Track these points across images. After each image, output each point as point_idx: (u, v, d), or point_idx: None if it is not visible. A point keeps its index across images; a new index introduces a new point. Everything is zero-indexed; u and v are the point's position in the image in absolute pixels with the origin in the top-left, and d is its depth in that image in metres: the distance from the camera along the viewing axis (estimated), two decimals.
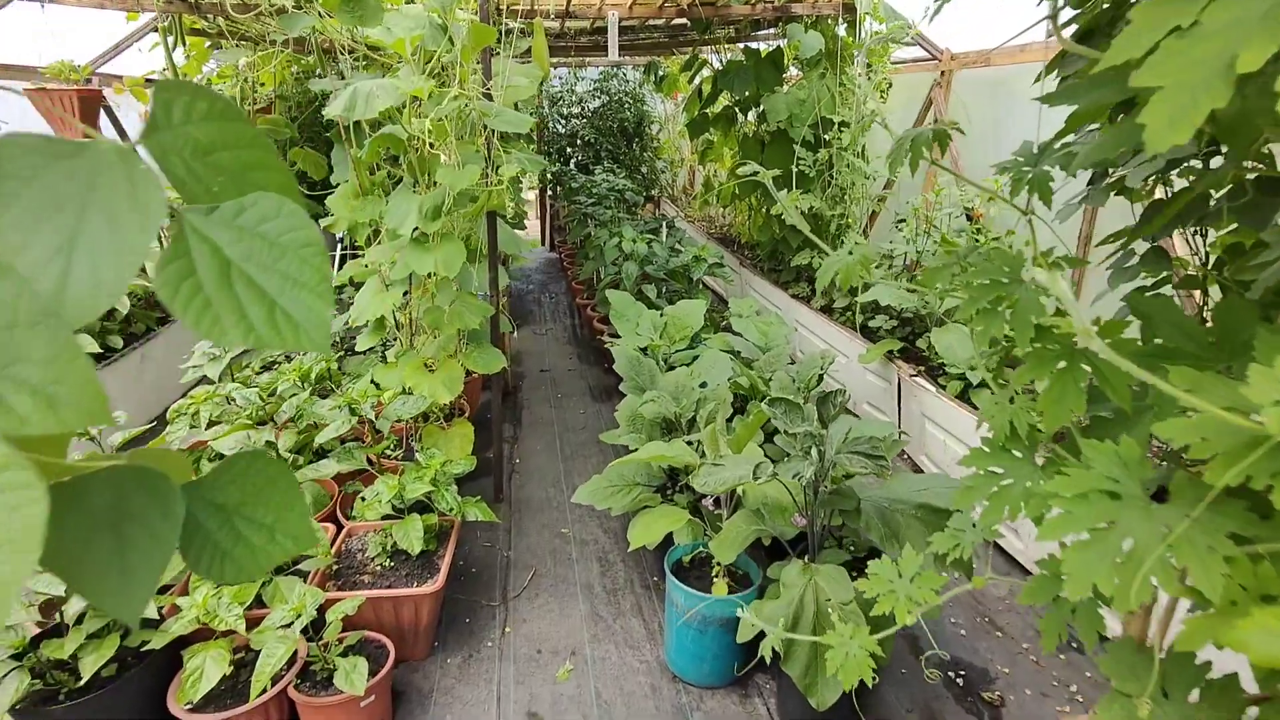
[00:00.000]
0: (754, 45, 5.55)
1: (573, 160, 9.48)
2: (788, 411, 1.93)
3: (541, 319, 6.77)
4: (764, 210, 5.71)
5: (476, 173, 2.37)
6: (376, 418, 2.71)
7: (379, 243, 2.91)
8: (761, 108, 5.51)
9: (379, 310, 2.72)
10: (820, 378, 3.05)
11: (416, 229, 2.50)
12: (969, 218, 4.36)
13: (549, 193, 9.84)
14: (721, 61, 5.61)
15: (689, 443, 2.74)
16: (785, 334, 3.76)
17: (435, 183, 2.52)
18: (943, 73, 4.73)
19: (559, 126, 9.53)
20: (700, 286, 4.61)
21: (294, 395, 3.07)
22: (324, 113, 2.49)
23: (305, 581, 2.29)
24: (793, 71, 5.70)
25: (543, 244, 10.48)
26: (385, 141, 2.73)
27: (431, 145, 2.73)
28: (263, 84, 6.20)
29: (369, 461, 2.76)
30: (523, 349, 5.90)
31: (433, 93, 2.32)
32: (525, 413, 4.64)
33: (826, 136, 4.76)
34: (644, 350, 3.52)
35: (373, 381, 2.94)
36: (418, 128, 2.40)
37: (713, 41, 5.60)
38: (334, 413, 2.66)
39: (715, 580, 2.34)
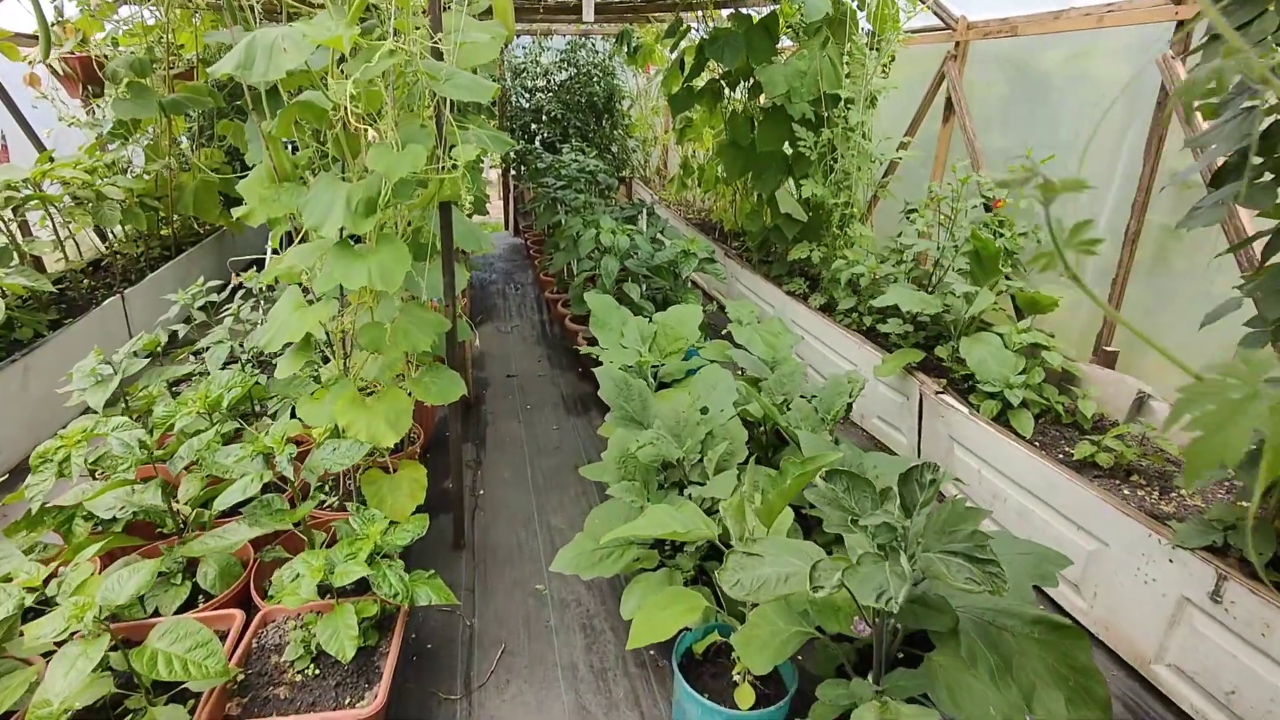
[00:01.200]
0: (744, 11, 4.96)
1: (538, 138, 8.80)
2: (852, 489, 1.42)
3: (506, 314, 6.16)
4: (753, 196, 5.17)
5: (421, 155, 1.78)
6: (296, 474, 2.11)
7: (299, 241, 2.29)
8: (753, 81, 4.95)
9: (299, 330, 2.11)
10: (849, 407, 2.54)
11: (344, 228, 1.90)
12: (987, 207, 3.89)
13: (512, 173, 9.14)
14: (705, 30, 5.02)
15: (691, 492, 2.22)
16: (792, 343, 3.24)
17: (370, 168, 1.92)
18: (957, 44, 4.23)
19: (523, 101, 8.82)
20: (688, 284, 4.06)
21: (198, 433, 2.44)
22: (209, 71, 1.87)
23: (194, 711, 1.71)
24: (785, 42, 5.15)
25: (506, 228, 9.80)
26: (303, 112, 2.11)
27: (372, 118, 2.12)
28: (181, 45, 5.40)
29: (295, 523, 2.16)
30: (486, 350, 5.30)
31: (359, 46, 1.72)
32: (490, 430, 4.06)
33: (829, 114, 4.23)
34: (631, 368, 2.97)
35: (294, 415, 2.34)
36: (342, 93, 1.79)
37: (698, 6, 5.00)
38: (242, 464, 2.05)
39: (738, 682, 1.83)
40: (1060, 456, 2.84)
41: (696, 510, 1.85)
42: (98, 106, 4.93)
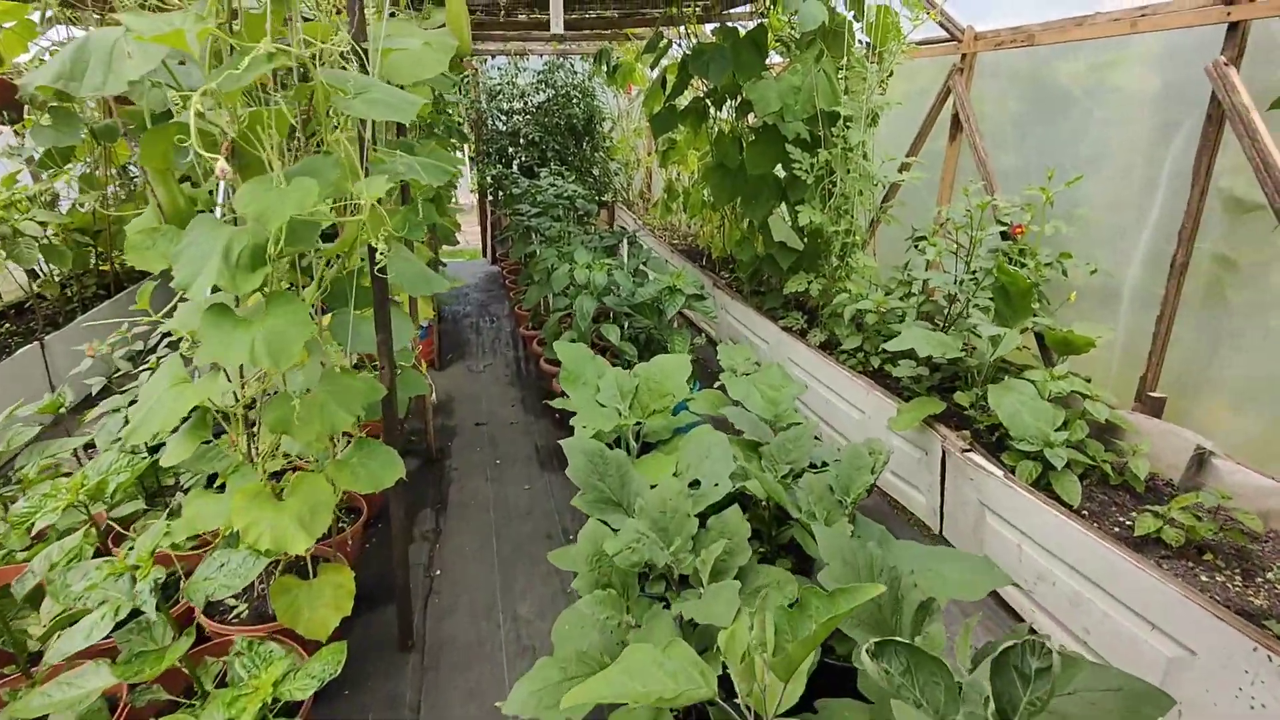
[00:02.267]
0: (730, 25, 4.60)
1: (515, 162, 8.41)
2: (914, 670, 0.98)
3: (479, 350, 5.70)
4: (743, 222, 4.77)
5: (311, 191, 1.34)
6: (173, 599, 1.64)
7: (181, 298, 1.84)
8: (740, 99, 4.57)
9: (175, 415, 1.64)
10: (871, 488, 2.10)
11: (225, 289, 1.45)
12: (1004, 234, 3.51)
13: (489, 198, 8.74)
14: (687, 46, 4.64)
15: (682, 610, 1.76)
16: (795, 394, 2.81)
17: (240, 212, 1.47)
18: (963, 56, 3.87)
19: (499, 124, 8.44)
20: (674, 323, 3.63)
21: (64, 536, 1.96)
22: (20, 83, 1.43)
23: None
24: (774, 58, 4.80)
25: (484, 255, 9.38)
26: (178, 132, 1.67)
27: (299, 138, 1.69)
28: None
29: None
30: (454, 392, 4.83)
31: (228, 46, 1.28)
32: (454, 490, 3.59)
33: (829, 133, 3.84)
34: (608, 436, 2.52)
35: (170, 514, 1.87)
36: (218, 109, 1.35)
37: (678, 20, 4.62)
38: (97, 591, 1.58)
39: None
40: (1116, 530, 2.41)
41: (688, 654, 1.40)
42: (20, 134, 4.46)
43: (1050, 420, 2.65)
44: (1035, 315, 2.85)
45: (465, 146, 8.44)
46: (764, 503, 2.39)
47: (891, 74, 4.03)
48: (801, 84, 3.66)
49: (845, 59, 3.87)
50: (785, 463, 2.38)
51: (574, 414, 2.72)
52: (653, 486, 2.26)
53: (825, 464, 2.43)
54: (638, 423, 2.60)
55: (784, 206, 4.48)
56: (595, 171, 8.61)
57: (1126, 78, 3.25)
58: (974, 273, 3.26)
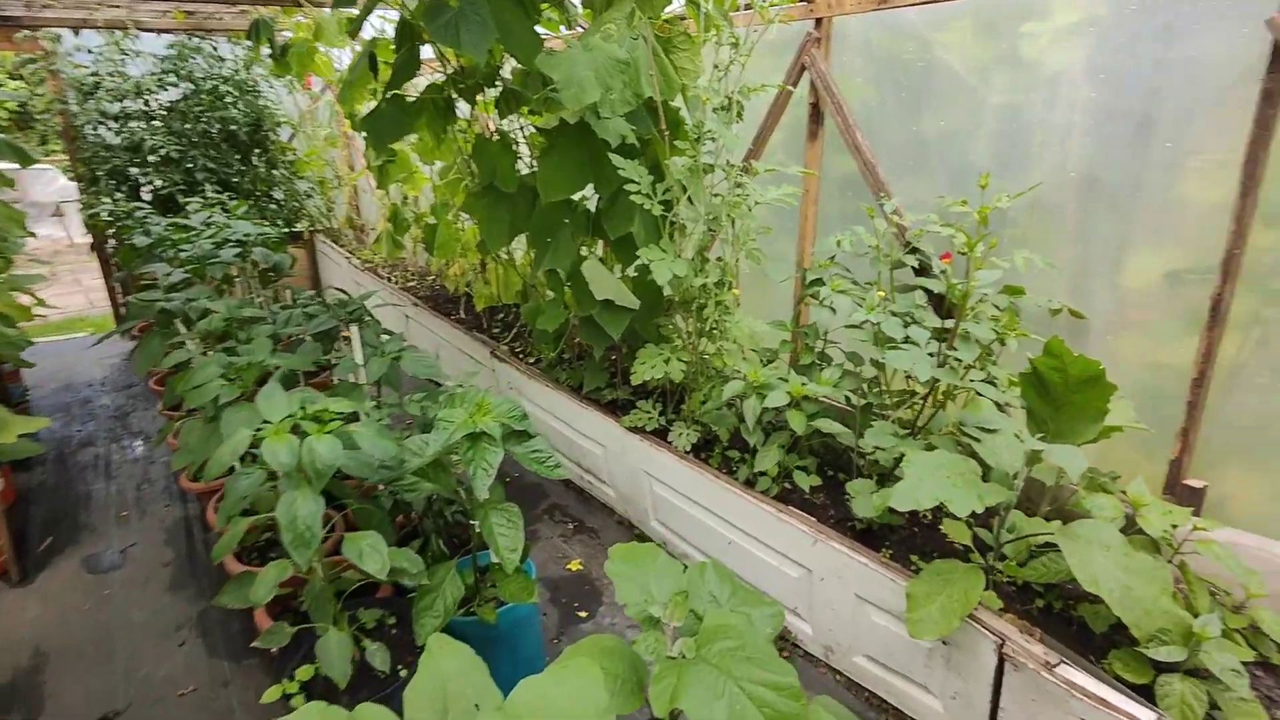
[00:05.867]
0: None
1: (146, 188, 5.72)
2: None
3: (109, 517, 3.34)
4: (539, 271, 3.23)
5: None
6: None
7: None
8: (503, 87, 3.02)
9: None
10: None
11: None
12: (920, 266, 2.53)
13: (107, 243, 5.91)
14: (407, 5, 2.91)
15: None
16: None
17: None
18: (819, 22, 2.80)
19: (107, 134, 5.66)
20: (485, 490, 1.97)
21: None
22: None
23: None
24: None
25: (118, 324, 6.41)
26: None
27: None
28: None
29: None
30: (51, 639, 2.56)
31: None
32: None
33: (665, 133, 2.48)
34: None
35: None
36: None
37: None
38: None
39: None
40: None
41: None
42: None
43: (1165, 587, 1.62)
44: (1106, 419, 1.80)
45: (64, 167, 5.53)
46: None
47: (736, 44, 2.79)
48: (629, 58, 2.24)
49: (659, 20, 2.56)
50: None
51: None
52: None
53: None
54: None
55: (600, 247, 3.06)
56: (278, 195, 6.28)
57: (1046, 50, 2.40)
58: (950, 338, 2.17)
